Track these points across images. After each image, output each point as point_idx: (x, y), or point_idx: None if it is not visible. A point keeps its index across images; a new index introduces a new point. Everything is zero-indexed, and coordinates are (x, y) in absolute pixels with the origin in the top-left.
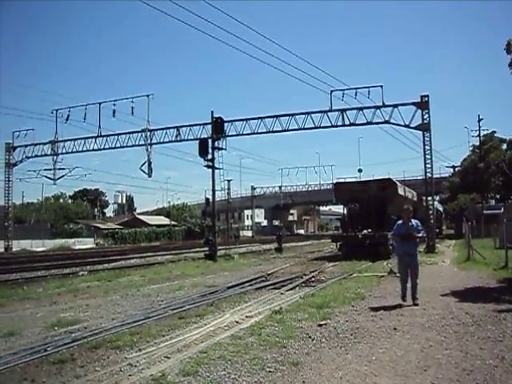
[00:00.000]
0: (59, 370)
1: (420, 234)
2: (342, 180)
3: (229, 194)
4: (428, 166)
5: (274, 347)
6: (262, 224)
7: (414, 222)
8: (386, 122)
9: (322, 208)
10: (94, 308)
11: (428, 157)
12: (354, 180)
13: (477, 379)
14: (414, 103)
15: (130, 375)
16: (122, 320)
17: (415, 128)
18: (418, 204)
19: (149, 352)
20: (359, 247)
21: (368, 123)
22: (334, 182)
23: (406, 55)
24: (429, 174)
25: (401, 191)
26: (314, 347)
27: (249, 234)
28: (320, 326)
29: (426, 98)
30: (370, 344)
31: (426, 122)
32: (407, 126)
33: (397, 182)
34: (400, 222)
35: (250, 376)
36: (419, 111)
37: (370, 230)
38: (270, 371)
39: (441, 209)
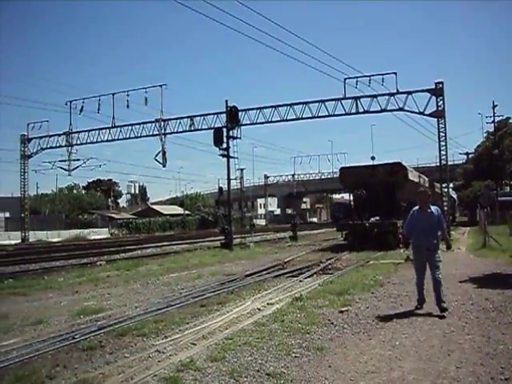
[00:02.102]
0: (89, 356)
1: (443, 227)
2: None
3: (242, 182)
4: (442, 152)
5: (298, 333)
6: (275, 212)
7: (433, 208)
8: (400, 109)
9: (334, 196)
10: (116, 297)
11: (442, 144)
12: (361, 164)
13: (501, 363)
14: (428, 90)
15: (158, 361)
16: (145, 308)
17: (430, 115)
18: (430, 190)
19: (175, 339)
20: (366, 236)
21: (382, 111)
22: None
23: (420, 42)
24: (443, 161)
25: (411, 176)
26: (337, 333)
27: (262, 222)
28: (341, 312)
29: (441, 85)
30: (392, 330)
31: (440, 108)
32: (422, 113)
33: (407, 167)
34: (416, 208)
35: (276, 361)
36: (434, 98)
37: (377, 218)
38: (295, 356)
39: (454, 196)
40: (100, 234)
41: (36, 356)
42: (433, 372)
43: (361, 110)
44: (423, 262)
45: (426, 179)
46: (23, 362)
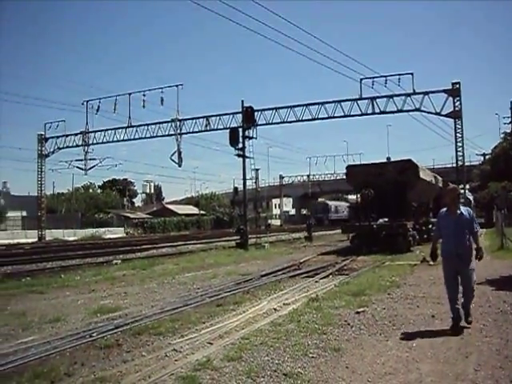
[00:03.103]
0: (106, 354)
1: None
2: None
3: (257, 182)
4: (459, 153)
5: (314, 334)
6: (290, 213)
7: (463, 209)
8: (417, 109)
9: (349, 196)
10: (132, 295)
11: (459, 144)
12: (369, 162)
13: None
14: (445, 90)
15: (175, 360)
16: (161, 307)
17: (446, 115)
18: (443, 191)
19: (191, 338)
20: (374, 239)
21: (398, 111)
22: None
23: (437, 42)
24: (460, 162)
25: (423, 175)
26: (354, 334)
27: (277, 222)
28: (358, 313)
29: (458, 85)
30: (409, 331)
31: (457, 109)
32: (438, 114)
33: (418, 164)
34: (444, 210)
35: (293, 361)
36: (450, 98)
37: (386, 220)
38: (312, 357)
39: (471, 197)
40: (115, 233)
41: (54, 353)
42: (451, 374)
43: (377, 110)
44: (454, 273)
45: (440, 179)
46: (42, 359)
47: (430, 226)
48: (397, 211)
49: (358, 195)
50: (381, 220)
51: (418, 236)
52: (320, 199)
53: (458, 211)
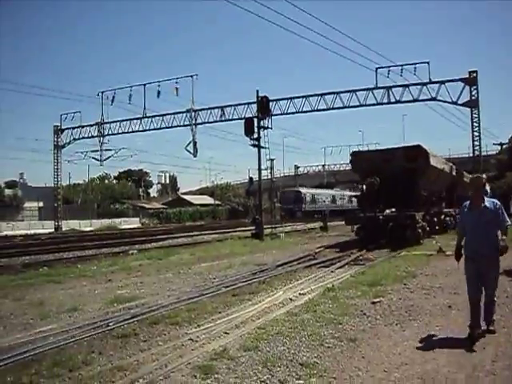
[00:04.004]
0: (124, 343)
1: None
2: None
3: (272, 173)
4: (476, 143)
5: (330, 324)
6: None
7: (489, 202)
8: (433, 98)
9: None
10: (148, 285)
11: (476, 134)
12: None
13: None
14: (461, 79)
15: (192, 349)
16: (177, 297)
17: (463, 105)
18: (457, 180)
19: (207, 328)
20: (380, 231)
21: (414, 100)
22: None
23: (453, 30)
24: (477, 152)
25: (434, 161)
26: (370, 324)
27: None
28: (373, 303)
29: (475, 74)
30: (425, 321)
31: (474, 98)
32: (455, 103)
33: (428, 150)
34: (467, 203)
35: (309, 351)
36: (467, 87)
37: (393, 210)
38: (328, 347)
39: (487, 187)
40: (131, 223)
41: (72, 342)
42: (468, 365)
43: (392, 99)
44: (477, 272)
45: (454, 167)
46: (60, 347)
47: (443, 217)
48: (405, 201)
49: (363, 184)
50: (387, 211)
51: (428, 228)
52: (294, 188)
53: (482, 204)
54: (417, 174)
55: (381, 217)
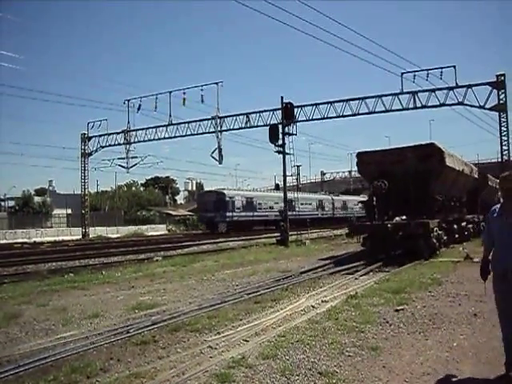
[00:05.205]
0: (142, 350)
1: None
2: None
3: (298, 179)
4: (504, 147)
5: (352, 332)
6: None
7: None
8: (460, 103)
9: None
10: (171, 292)
11: (504, 138)
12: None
13: None
14: (489, 83)
15: (210, 357)
16: (199, 304)
17: (490, 109)
18: (480, 183)
19: (227, 335)
20: (389, 242)
21: (440, 105)
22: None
23: (481, 33)
24: (505, 157)
25: (450, 162)
26: (393, 332)
27: None
28: (397, 311)
29: (502, 78)
30: (449, 330)
31: (502, 102)
32: (482, 107)
33: (444, 149)
34: (496, 207)
35: (329, 360)
36: (495, 91)
37: (404, 218)
38: (349, 355)
39: None
40: (158, 230)
41: (91, 349)
42: (493, 376)
43: (418, 104)
44: (509, 297)
45: (475, 169)
46: (79, 354)
47: (464, 225)
48: (418, 207)
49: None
50: (397, 218)
51: (446, 237)
52: (216, 189)
53: None
54: (431, 176)
55: (389, 225)
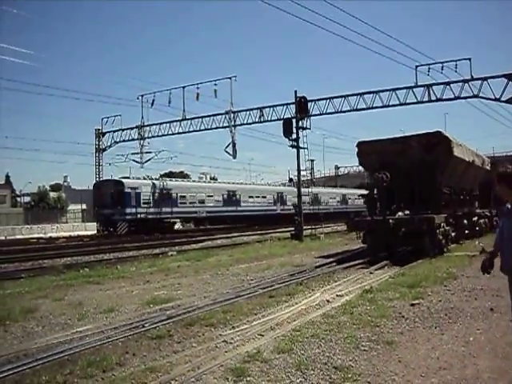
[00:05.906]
0: (157, 345)
1: None
2: None
3: (312, 173)
4: None
5: (367, 326)
6: None
7: None
8: (475, 96)
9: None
10: (185, 287)
11: None
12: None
13: None
14: (504, 75)
15: (225, 351)
16: (213, 298)
17: (506, 101)
18: (492, 175)
19: (242, 330)
20: (391, 238)
21: (455, 98)
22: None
23: (496, 24)
24: None
25: (458, 152)
26: (408, 327)
27: None
28: (412, 305)
29: None
30: (465, 325)
31: None
32: (498, 100)
33: (451, 138)
34: (508, 206)
35: (344, 354)
36: (511, 83)
37: (407, 213)
38: (364, 350)
39: None
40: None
41: (107, 343)
42: (510, 371)
43: (433, 97)
44: None
45: (487, 160)
46: (95, 348)
47: (476, 219)
48: (422, 201)
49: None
50: (400, 213)
51: (454, 233)
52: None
53: None
54: (437, 168)
55: (391, 221)
